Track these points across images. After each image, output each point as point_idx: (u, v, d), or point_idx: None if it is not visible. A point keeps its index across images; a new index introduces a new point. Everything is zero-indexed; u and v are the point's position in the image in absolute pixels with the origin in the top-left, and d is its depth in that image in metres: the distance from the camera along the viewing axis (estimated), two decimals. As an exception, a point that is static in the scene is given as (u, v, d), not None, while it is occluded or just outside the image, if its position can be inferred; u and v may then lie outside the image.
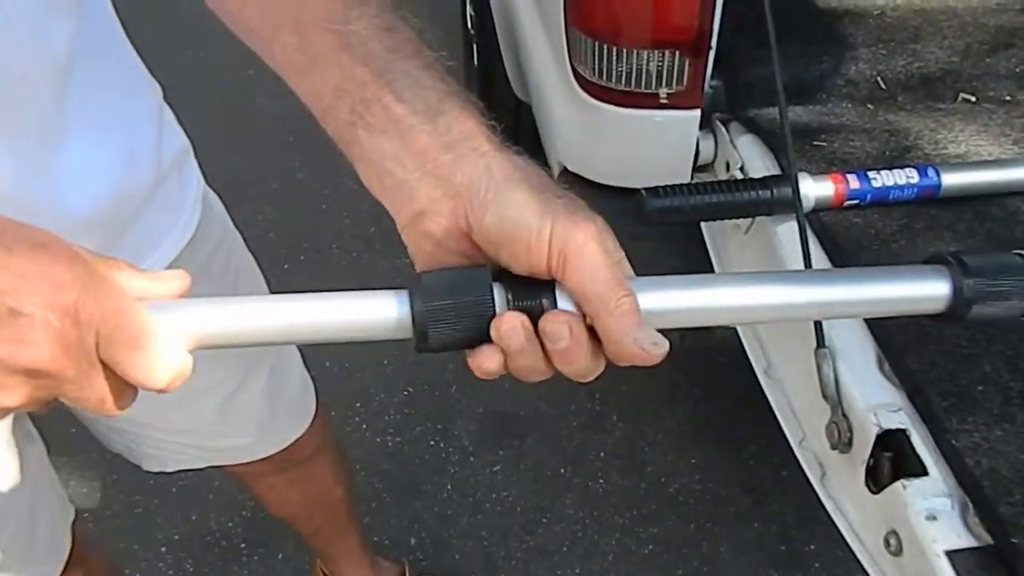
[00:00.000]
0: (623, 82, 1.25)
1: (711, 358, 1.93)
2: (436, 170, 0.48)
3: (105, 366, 0.43)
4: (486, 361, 0.46)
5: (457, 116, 0.49)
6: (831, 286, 0.50)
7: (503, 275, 0.47)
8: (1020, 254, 0.53)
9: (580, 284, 0.45)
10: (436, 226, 0.48)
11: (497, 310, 0.46)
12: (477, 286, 0.46)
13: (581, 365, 0.46)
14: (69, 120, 0.65)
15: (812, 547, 1.66)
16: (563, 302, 0.47)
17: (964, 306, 0.50)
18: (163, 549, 1.67)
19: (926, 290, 0.51)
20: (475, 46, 2.13)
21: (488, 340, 0.46)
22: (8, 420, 0.80)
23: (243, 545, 1.69)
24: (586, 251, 0.45)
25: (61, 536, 0.93)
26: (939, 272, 0.51)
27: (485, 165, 0.47)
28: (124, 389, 0.44)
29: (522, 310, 0.46)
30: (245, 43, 0.56)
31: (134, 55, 0.77)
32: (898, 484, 0.86)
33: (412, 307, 0.46)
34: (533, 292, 0.47)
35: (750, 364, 1.20)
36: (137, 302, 0.43)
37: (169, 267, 0.78)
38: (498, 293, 0.47)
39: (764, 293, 0.49)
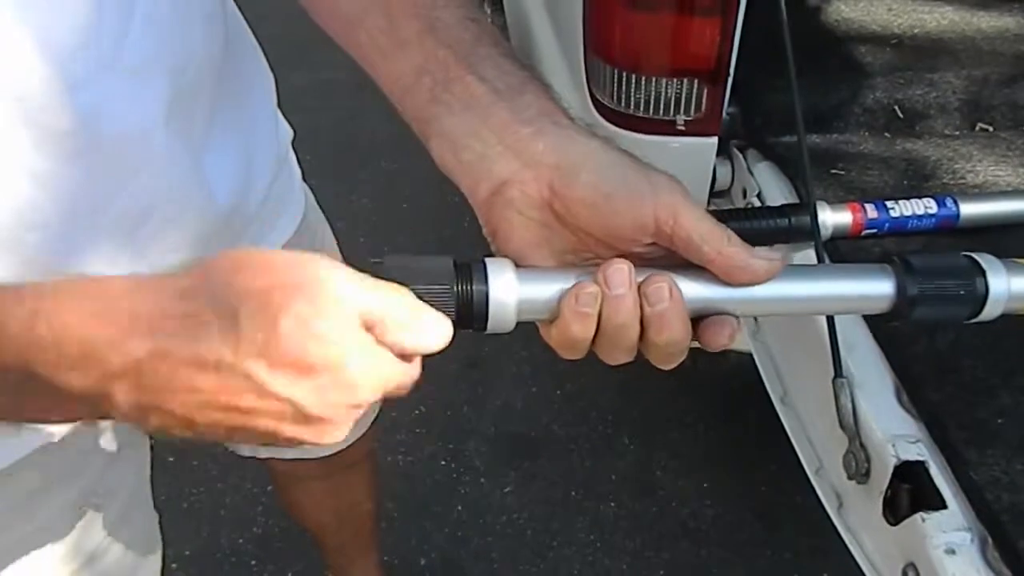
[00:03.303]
0: (641, 109, 1.25)
1: (723, 383, 1.93)
2: (517, 143, 0.49)
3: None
4: (573, 326, 0.46)
5: (537, 96, 0.51)
6: (778, 281, 0.49)
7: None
8: (968, 256, 0.52)
9: (697, 227, 0.47)
10: (518, 195, 0.48)
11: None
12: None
13: (676, 332, 0.46)
14: (215, 112, 0.66)
15: None
16: (499, 283, 0.46)
17: (907, 306, 0.50)
18: (174, 566, 1.67)
19: (871, 289, 0.51)
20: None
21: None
22: None
23: (254, 563, 1.69)
24: (689, 199, 0.48)
25: (157, 529, 0.93)
26: (884, 271, 0.51)
27: (567, 135, 0.49)
28: (407, 362, 0.45)
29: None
30: (325, 29, 0.59)
31: (256, 45, 0.79)
32: (917, 517, 0.85)
33: None
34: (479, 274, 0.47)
35: (762, 389, 1.19)
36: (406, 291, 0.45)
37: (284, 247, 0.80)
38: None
39: (705, 287, 0.48)
